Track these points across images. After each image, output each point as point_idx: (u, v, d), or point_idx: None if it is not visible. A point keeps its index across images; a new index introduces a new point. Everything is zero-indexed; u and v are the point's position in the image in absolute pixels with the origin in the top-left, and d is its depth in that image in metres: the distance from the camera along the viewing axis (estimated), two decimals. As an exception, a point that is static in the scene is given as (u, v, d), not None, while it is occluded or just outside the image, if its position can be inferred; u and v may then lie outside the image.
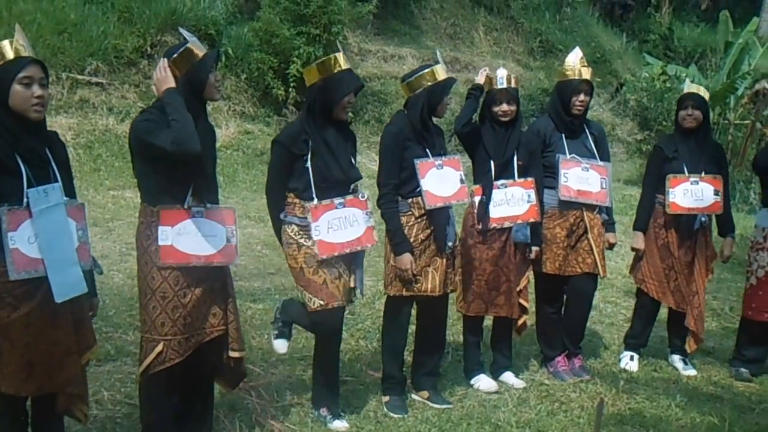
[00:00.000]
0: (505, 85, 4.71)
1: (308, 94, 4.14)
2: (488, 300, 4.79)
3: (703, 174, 5.18)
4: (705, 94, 5.28)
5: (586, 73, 4.97)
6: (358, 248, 4.12)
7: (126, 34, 10.83)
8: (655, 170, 5.28)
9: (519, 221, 4.76)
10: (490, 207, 4.69)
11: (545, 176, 4.97)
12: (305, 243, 4.01)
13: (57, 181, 3.14)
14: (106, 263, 6.49)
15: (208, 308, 3.60)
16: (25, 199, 3.03)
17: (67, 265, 3.13)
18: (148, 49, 11.02)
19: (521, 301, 4.89)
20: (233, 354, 3.69)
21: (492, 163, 4.73)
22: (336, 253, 4.02)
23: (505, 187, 4.73)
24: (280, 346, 4.33)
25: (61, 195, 3.14)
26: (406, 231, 4.34)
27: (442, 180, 4.39)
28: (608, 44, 17.51)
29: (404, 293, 4.41)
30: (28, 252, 3.02)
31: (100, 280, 6.01)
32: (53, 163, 3.18)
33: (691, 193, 5.17)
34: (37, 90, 3.06)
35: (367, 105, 12.30)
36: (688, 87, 5.36)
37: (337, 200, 4.04)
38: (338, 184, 4.08)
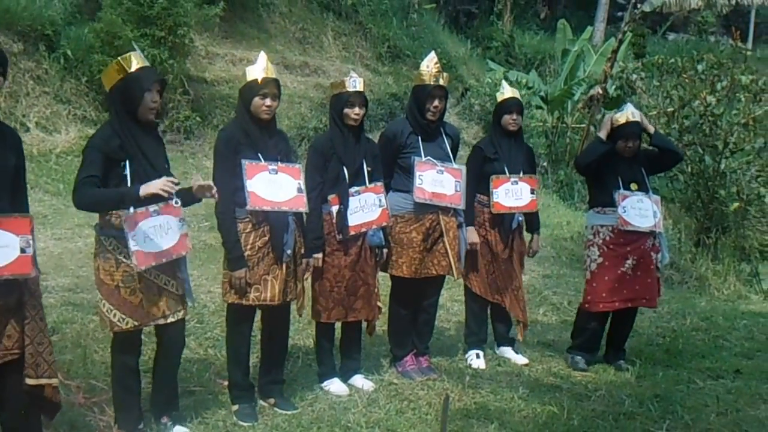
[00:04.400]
0: (358, 88, 4.73)
1: (110, 98, 3.98)
2: (348, 305, 4.82)
3: (521, 174, 5.46)
4: (519, 97, 5.61)
5: (441, 79, 5.07)
6: (174, 257, 3.94)
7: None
8: (475, 170, 5.42)
9: (374, 226, 4.82)
10: (348, 215, 4.71)
11: (401, 179, 5.06)
12: (124, 260, 3.81)
13: None
14: None
15: (0, 329, 3.31)
16: None
17: None
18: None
19: (378, 303, 4.96)
20: (29, 381, 3.39)
21: (345, 170, 4.74)
22: (153, 263, 3.83)
23: (359, 193, 4.77)
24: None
25: None
26: (242, 238, 4.29)
27: (274, 185, 4.33)
28: (454, 50, 18.02)
29: (242, 302, 4.36)
30: None
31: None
32: None
33: (511, 193, 5.44)
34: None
35: (215, 109, 12.10)
36: (509, 92, 5.59)
37: (152, 207, 3.83)
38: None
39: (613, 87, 13.94)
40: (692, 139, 10.22)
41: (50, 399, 3.53)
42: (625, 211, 5.46)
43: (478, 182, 5.40)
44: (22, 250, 3.30)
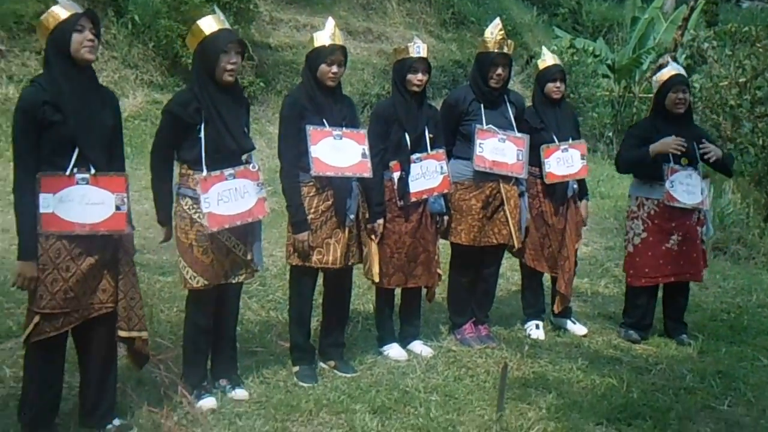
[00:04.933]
0: (421, 54, 4.71)
1: (193, 60, 4.03)
2: (407, 272, 4.84)
3: (570, 141, 5.38)
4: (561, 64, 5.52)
5: (506, 47, 5.01)
6: (249, 220, 4.03)
7: (26, -1, 10.41)
8: None
9: (435, 193, 4.82)
10: (409, 181, 4.72)
11: (462, 146, 5.04)
12: (198, 219, 3.91)
13: None
14: (7, 237, 6.30)
15: (96, 283, 3.51)
16: None
17: None
18: (50, 14, 10.61)
19: (438, 270, 4.98)
20: (121, 333, 3.63)
21: (407, 136, 4.74)
22: (226, 225, 3.93)
23: (420, 160, 4.76)
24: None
25: None
26: (306, 202, 4.34)
27: (339, 150, 4.35)
28: (519, 17, 17.75)
29: (305, 264, 4.41)
30: None
31: (1, 254, 5.88)
32: None
33: (563, 161, 5.34)
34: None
35: (279, 75, 12.20)
36: (551, 59, 5.49)
37: (228, 171, 3.92)
38: (231, 154, 3.97)
39: (684, 56, 13.59)
40: (764, 111, 9.90)
41: (140, 350, 3.78)
42: (672, 186, 5.35)
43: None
44: (117, 208, 3.49)
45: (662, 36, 15.81)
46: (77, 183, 3.40)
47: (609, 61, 15.54)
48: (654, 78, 5.73)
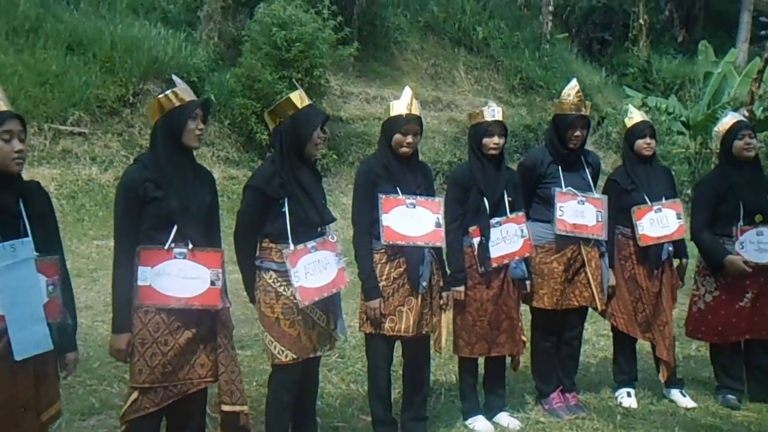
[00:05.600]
0: (497, 118, 4.66)
1: (275, 135, 4.02)
2: (491, 340, 4.71)
3: (664, 200, 5.16)
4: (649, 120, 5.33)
5: (583, 108, 4.93)
6: (334, 290, 4.00)
7: (108, 84, 10.87)
8: (614, 203, 5.13)
9: (516, 258, 4.71)
10: (489, 246, 4.62)
11: (540, 209, 4.94)
12: (284, 292, 3.89)
13: (27, 235, 3.07)
14: (90, 314, 6.40)
15: (194, 357, 3.50)
16: None
17: (31, 321, 3.04)
18: (131, 98, 11.05)
19: (522, 337, 4.84)
20: (225, 408, 3.57)
21: (486, 201, 4.66)
22: (317, 298, 3.90)
23: (500, 225, 4.67)
24: None
25: (31, 250, 3.06)
26: (378, 269, 4.28)
27: (412, 219, 4.29)
28: (588, 79, 17.67)
29: (377, 332, 4.33)
30: None
31: (84, 331, 5.96)
32: (24, 217, 3.10)
33: (657, 222, 5.13)
34: (17, 144, 3.07)
35: (351, 146, 12.33)
36: (638, 115, 5.34)
37: (310, 244, 3.91)
38: (312, 226, 3.96)
39: (761, 108, 13.26)
40: None
41: (244, 426, 3.70)
42: (743, 248, 5.14)
43: (617, 215, 5.16)
44: (212, 283, 3.51)
45: (736, 90, 15.49)
46: (175, 257, 3.44)
47: (683, 118, 15.27)
48: (715, 130, 5.54)
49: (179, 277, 3.43)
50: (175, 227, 3.43)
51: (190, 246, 3.47)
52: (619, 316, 5.26)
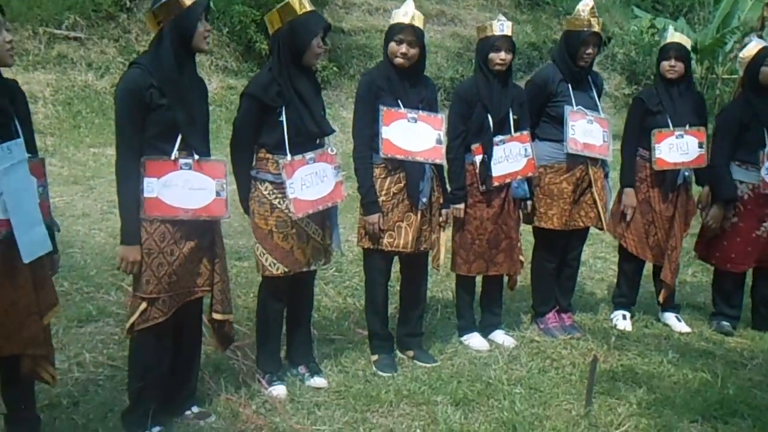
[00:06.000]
0: (505, 32, 4.52)
1: (273, 41, 3.87)
2: (489, 258, 4.69)
3: (687, 127, 5.07)
4: (687, 44, 5.14)
5: (596, 25, 4.79)
6: (330, 204, 3.96)
7: (104, -13, 10.55)
8: (638, 123, 5.15)
9: (519, 177, 4.65)
10: (492, 165, 4.55)
11: (549, 128, 4.87)
12: (279, 205, 3.83)
13: (19, 136, 2.98)
14: (87, 222, 6.37)
15: (195, 267, 3.48)
16: None
17: (33, 223, 3.00)
18: (127, 2, 10.78)
19: (520, 257, 4.82)
20: (216, 316, 3.60)
21: (490, 118, 4.56)
22: (311, 211, 3.85)
23: (503, 143, 4.59)
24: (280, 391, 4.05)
25: (24, 151, 2.99)
26: (378, 183, 4.22)
27: (412, 134, 4.20)
28: (596, -3, 17.25)
29: (375, 247, 4.29)
30: None
31: (82, 239, 5.94)
32: (15, 118, 3.01)
33: (676, 148, 5.05)
34: (6, 35, 2.95)
35: (352, 59, 12.11)
36: (671, 36, 5.19)
37: (308, 155, 3.83)
38: (311, 138, 3.87)
39: (772, 34, 12.98)
40: None
41: (228, 333, 3.75)
42: None
43: (639, 136, 5.12)
44: (218, 193, 3.46)
45: (747, 14, 15.14)
46: (181, 168, 3.36)
47: (691, 42, 14.97)
48: (740, 56, 5.39)
49: (186, 188, 3.36)
50: (180, 137, 3.34)
51: (195, 156, 3.38)
52: (629, 238, 5.24)
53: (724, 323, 5.33)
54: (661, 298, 5.33)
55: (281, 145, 3.79)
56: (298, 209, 3.81)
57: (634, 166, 5.15)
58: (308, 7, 3.80)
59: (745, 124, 5.12)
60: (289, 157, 3.78)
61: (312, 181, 3.85)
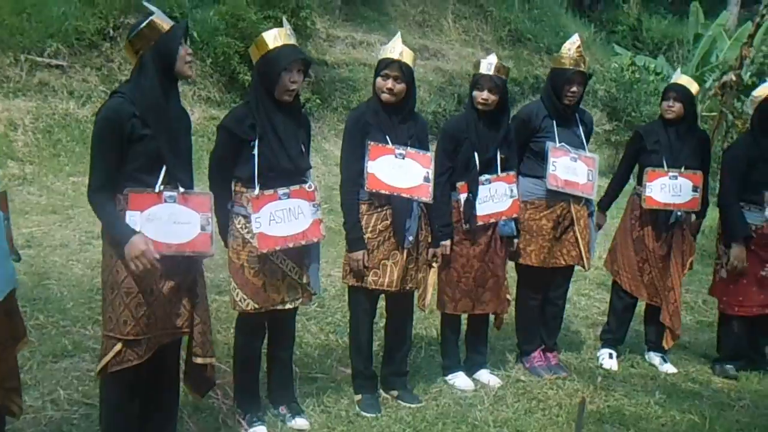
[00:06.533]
0: (490, 72, 4.47)
1: (252, 76, 3.82)
2: (475, 297, 4.63)
3: (683, 169, 5.05)
4: (692, 87, 5.14)
5: (582, 64, 4.78)
6: (303, 242, 3.83)
7: (87, 16, 10.48)
8: (632, 156, 5.24)
9: (503, 217, 4.60)
10: (476, 204, 4.50)
11: (532, 164, 4.84)
12: (251, 240, 3.74)
13: None
14: (65, 252, 6.23)
15: (174, 307, 3.34)
16: None
17: (3, 259, 2.90)
18: (111, 31, 10.68)
19: (506, 295, 4.76)
20: (196, 360, 3.44)
21: (477, 157, 4.52)
22: (277, 248, 3.74)
23: (489, 182, 4.55)
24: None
25: None
26: (364, 220, 4.15)
27: (399, 170, 4.14)
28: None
29: (360, 285, 4.22)
30: None
31: (59, 270, 5.81)
32: None
33: (669, 188, 5.04)
34: None
35: (335, 92, 12.08)
36: (676, 78, 5.24)
37: (281, 191, 3.74)
38: (285, 173, 3.76)
39: (749, 73, 13.13)
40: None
41: (209, 377, 3.59)
42: None
43: (630, 168, 5.23)
44: (203, 228, 3.33)
45: (726, 53, 15.36)
46: (165, 201, 3.24)
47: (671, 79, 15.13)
48: (752, 95, 5.40)
49: (170, 222, 3.24)
50: (164, 168, 3.23)
51: (181, 189, 3.28)
52: (624, 275, 5.23)
53: (728, 367, 5.28)
54: (665, 343, 5.28)
55: (253, 179, 3.71)
56: (263, 245, 3.71)
57: (615, 193, 5.41)
58: (283, 41, 3.72)
59: (751, 163, 5.12)
60: (256, 190, 3.70)
61: (284, 216, 3.75)
